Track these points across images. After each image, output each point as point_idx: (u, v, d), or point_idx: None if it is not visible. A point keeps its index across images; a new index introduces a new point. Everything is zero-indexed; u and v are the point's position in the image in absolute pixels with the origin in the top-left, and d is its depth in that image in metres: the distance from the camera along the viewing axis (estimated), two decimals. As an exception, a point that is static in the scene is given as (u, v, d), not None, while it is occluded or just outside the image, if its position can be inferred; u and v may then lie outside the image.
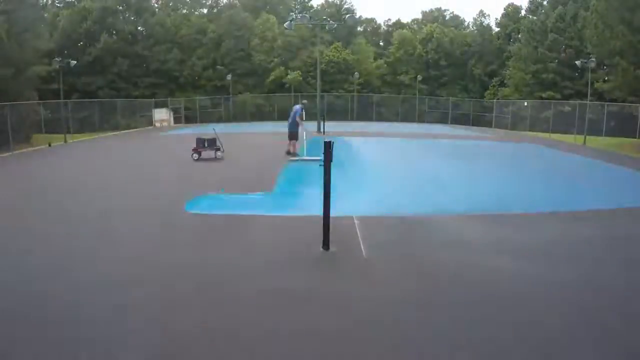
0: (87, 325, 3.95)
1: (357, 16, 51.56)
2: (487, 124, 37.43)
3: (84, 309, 4.24)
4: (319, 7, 51.12)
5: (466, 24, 52.53)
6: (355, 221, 7.21)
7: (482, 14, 61.20)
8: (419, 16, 55.72)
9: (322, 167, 5.75)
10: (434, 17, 52.77)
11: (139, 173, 12.78)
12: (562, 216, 8.09)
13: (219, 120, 38.90)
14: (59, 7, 44.46)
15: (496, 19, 51.29)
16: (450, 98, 43.35)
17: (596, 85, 30.13)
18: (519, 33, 42.84)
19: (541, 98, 37.27)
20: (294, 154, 14.83)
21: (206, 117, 41.01)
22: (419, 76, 42.97)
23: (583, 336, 3.84)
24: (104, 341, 3.70)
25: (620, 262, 5.76)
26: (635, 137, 21.62)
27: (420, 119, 41.94)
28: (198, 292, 4.71)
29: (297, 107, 15.47)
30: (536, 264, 5.59)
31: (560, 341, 3.75)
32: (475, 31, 50.00)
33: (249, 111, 41.11)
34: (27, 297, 4.50)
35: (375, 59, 47.56)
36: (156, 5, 46.78)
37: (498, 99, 41.22)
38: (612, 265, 5.64)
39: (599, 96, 31.46)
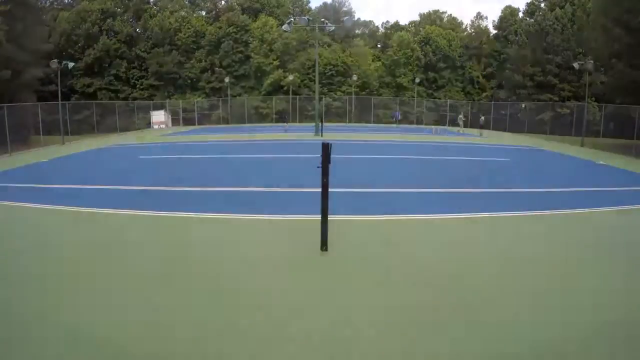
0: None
1: (355, 18, 51.78)
2: (485, 125, 37.54)
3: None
4: (317, 10, 51.30)
5: (464, 26, 52.71)
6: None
7: (479, 16, 61.38)
8: (417, 18, 55.93)
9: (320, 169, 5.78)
10: (432, 19, 52.89)
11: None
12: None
13: (217, 122, 39.00)
14: (58, 8, 44.52)
15: (493, 21, 51.56)
16: (448, 100, 43.55)
17: (594, 87, 30.21)
18: (516, 35, 42.97)
19: (538, 100, 37.38)
20: None
21: (204, 119, 41.13)
22: (416, 78, 43.06)
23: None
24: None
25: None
26: (633, 139, 21.67)
27: (419, 121, 42.11)
28: (198, 289, 4.75)
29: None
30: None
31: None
32: (473, 33, 50.23)
33: (247, 113, 41.13)
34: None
35: (373, 60, 47.67)
36: (155, 7, 46.83)
37: (496, 100, 41.34)
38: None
39: (597, 98, 31.54)
